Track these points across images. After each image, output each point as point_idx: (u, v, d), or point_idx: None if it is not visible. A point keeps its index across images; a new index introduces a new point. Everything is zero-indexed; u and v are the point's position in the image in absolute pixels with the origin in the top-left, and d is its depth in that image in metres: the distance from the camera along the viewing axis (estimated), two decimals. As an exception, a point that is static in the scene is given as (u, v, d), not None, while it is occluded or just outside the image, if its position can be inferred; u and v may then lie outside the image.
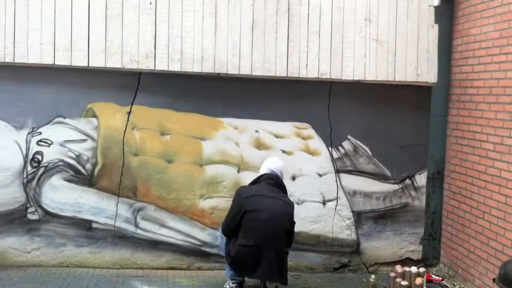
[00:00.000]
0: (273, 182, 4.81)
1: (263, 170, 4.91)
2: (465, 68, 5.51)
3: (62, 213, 5.37)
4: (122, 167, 5.41)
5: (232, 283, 4.89)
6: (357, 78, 5.49)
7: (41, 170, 5.34)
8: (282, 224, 4.66)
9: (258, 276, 4.68)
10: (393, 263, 5.64)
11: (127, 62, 5.21)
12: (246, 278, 4.87)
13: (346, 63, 5.46)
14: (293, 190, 5.53)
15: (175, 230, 5.52)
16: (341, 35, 5.45)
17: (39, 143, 5.33)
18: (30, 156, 5.32)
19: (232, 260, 4.67)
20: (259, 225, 4.58)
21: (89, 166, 5.39)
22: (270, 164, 4.93)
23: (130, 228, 5.46)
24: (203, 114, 5.53)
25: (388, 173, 5.78)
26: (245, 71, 5.34)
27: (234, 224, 4.67)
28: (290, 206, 4.78)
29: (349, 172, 5.73)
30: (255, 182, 4.90)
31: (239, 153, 5.57)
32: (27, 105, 5.30)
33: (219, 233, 5.52)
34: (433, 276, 5.60)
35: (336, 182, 5.70)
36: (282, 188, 4.88)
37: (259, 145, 5.61)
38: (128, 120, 5.43)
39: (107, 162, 5.40)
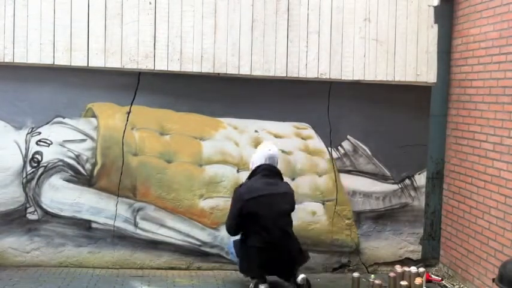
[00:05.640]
0: (269, 173, 4.90)
1: (259, 161, 4.95)
2: (464, 68, 5.51)
3: (62, 213, 5.37)
4: (121, 167, 5.41)
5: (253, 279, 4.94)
6: (356, 78, 5.49)
7: (41, 170, 5.33)
8: (285, 217, 4.80)
9: (279, 275, 4.82)
10: (393, 263, 5.63)
11: (126, 62, 5.20)
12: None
13: (345, 63, 5.46)
14: (293, 190, 5.54)
15: (174, 230, 5.51)
16: (340, 35, 5.45)
17: (39, 143, 5.32)
18: (29, 156, 5.32)
19: (243, 261, 4.78)
20: (263, 226, 4.69)
21: (88, 166, 5.39)
22: (264, 153, 4.98)
23: (130, 228, 5.46)
24: (203, 114, 5.52)
25: (388, 173, 5.78)
26: (245, 70, 5.34)
27: (237, 223, 4.76)
28: (289, 194, 4.91)
29: (348, 172, 5.73)
30: (251, 175, 4.97)
31: (239, 153, 5.57)
32: (26, 105, 5.29)
33: (218, 232, 5.54)
34: (432, 276, 5.60)
35: (336, 182, 5.70)
36: (279, 175, 4.97)
37: (259, 145, 5.59)
38: (127, 120, 5.42)
39: (106, 162, 5.40)
